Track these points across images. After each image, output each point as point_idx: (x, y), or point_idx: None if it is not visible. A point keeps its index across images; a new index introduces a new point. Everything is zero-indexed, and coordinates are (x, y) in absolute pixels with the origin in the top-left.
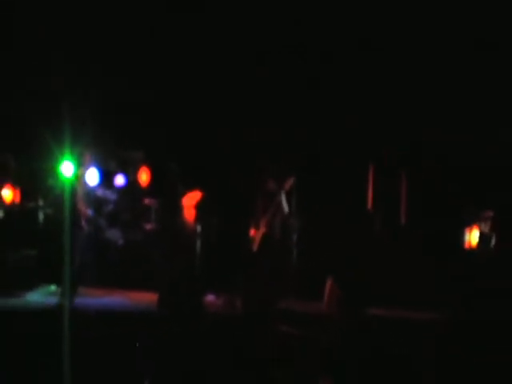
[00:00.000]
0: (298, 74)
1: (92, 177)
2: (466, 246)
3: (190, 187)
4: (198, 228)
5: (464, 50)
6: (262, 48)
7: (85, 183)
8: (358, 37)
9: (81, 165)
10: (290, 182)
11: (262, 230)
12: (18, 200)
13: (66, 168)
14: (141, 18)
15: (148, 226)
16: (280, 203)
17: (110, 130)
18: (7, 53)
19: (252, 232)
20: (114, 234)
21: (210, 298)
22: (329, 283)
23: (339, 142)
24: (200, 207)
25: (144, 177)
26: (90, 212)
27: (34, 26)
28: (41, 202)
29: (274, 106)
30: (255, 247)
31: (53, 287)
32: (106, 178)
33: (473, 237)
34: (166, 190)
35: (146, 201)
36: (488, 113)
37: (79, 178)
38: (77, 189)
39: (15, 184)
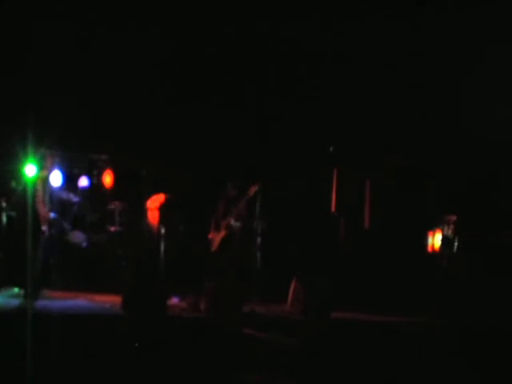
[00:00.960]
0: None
1: (55, 179)
2: (429, 249)
3: (154, 190)
4: (162, 230)
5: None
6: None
7: (48, 185)
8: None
9: (43, 167)
10: (254, 189)
11: (222, 232)
12: None
13: (30, 170)
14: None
15: (112, 229)
16: (242, 208)
17: (74, 132)
18: None
19: (211, 234)
20: (79, 237)
21: (174, 300)
22: (293, 285)
23: (303, 146)
24: (164, 210)
25: (108, 179)
26: (51, 215)
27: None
28: (3, 204)
29: (240, 111)
30: (214, 249)
31: (16, 289)
32: (70, 181)
33: (436, 240)
34: (131, 192)
35: (110, 203)
36: (448, 119)
37: (41, 180)
38: (37, 191)
39: None
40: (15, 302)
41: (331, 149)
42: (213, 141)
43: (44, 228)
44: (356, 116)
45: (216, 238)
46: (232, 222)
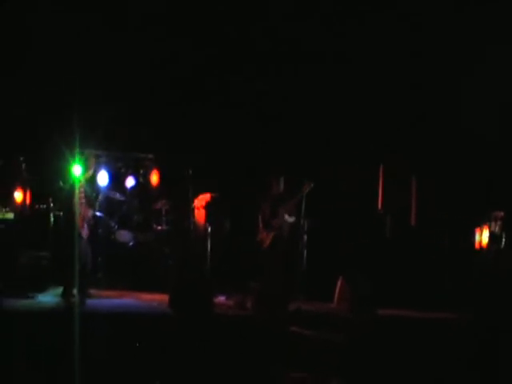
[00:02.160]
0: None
1: (102, 179)
2: (477, 246)
3: (201, 189)
4: (209, 229)
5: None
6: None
7: (95, 185)
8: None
9: (89, 167)
10: (308, 186)
11: (274, 231)
12: (28, 202)
13: (76, 170)
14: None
15: (159, 228)
16: (293, 205)
17: (121, 132)
18: (22, 59)
19: (260, 234)
20: (125, 236)
21: (221, 298)
22: (340, 282)
23: (350, 144)
24: (210, 208)
25: (154, 178)
26: (94, 214)
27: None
28: (51, 204)
29: (284, 111)
30: (266, 248)
31: (63, 289)
32: (117, 180)
33: (483, 237)
34: (177, 191)
35: (157, 202)
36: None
37: (85, 180)
38: (80, 192)
39: (26, 186)
40: (62, 301)
41: (371, 147)
42: (257, 139)
43: (85, 227)
44: (402, 113)
45: (267, 237)
46: (287, 218)
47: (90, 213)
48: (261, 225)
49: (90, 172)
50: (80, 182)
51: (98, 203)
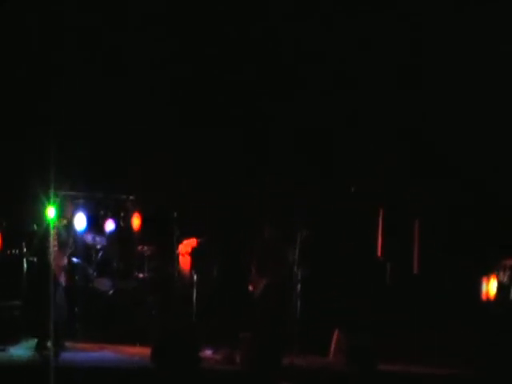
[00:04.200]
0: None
1: (79, 222)
2: (484, 297)
3: (186, 234)
4: (195, 277)
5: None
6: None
7: (71, 230)
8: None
9: (65, 210)
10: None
11: (268, 278)
12: None
13: (51, 213)
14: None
15: (141, 275)
16: (284, 252)
17: (100, 175)
18: None
19: (253, 280)
20: (105, 284)
21: (207, 352)
22: (336, 335)
23: (347, 187)
24: (196, 255)
25: (136, 222)
26: (69, 260)
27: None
28: (25, 249)
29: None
30: (257, 296)
31: (37, 341)
32: (96, 224)
33: (491, 287)
34: (160, 236)
35: (139, 248)
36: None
37: (60, 225)
38: (55, 237)
39: None
40: (37, 355)
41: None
42: (246, 180)
43: (62, 274)
44: (403, 155)
45: (259, 283)
46: (280, 266)
47: (64, 259)
48: (254, 271)
49: (67, 215)
50: (55, 225)
51: (74, 248)
